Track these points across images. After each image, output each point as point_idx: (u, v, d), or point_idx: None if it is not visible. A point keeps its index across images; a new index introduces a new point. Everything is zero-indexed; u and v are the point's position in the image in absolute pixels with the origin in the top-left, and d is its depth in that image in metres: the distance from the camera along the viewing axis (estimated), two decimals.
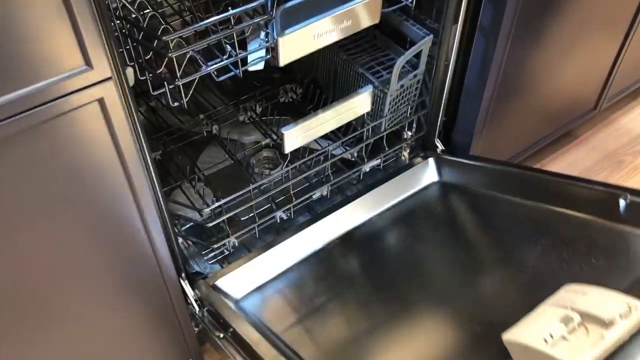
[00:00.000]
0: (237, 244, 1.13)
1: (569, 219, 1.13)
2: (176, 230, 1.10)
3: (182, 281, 1.07)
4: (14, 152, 0.67)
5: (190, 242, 1.12)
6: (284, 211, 1.16)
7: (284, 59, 0.87)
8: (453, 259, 1.12)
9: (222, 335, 1.01)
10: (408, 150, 1.33)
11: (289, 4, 0.83)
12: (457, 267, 1.11)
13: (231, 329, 0.99)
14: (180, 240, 1.13)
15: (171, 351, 1.10)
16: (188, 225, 1.17)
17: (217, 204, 1.02)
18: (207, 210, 1.02)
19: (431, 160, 1.29)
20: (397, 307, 1.06)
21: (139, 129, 0.77)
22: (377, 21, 0.95)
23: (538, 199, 1.17)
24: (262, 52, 0.88)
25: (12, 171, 0.68)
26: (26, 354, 0.89)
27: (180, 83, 0.79)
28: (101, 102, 0.69)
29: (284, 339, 1.01)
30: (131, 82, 0.80)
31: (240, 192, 1.03)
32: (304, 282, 1.13)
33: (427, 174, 1.31)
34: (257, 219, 1.10)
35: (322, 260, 1.17)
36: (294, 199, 1.13)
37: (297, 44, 0.87)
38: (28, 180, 0.70)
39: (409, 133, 1.29)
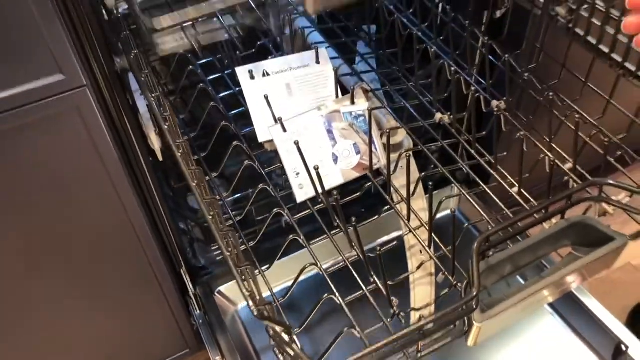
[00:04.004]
0: None
1: None
2: (184, 226, 1.13)
3: (183, 275, 1.10)
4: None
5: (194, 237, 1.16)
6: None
7: None
8: None
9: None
10: None
11: None
12: None
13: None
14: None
15: (164, 341, 1.14)
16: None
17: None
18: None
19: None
20: None
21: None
22: None
23: None
24: None
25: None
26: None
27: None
28: (78, 109, 0.73)
29: None
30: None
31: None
32: (309, 301, 1.03)
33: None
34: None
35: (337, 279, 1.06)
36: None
37: None
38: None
39: None
